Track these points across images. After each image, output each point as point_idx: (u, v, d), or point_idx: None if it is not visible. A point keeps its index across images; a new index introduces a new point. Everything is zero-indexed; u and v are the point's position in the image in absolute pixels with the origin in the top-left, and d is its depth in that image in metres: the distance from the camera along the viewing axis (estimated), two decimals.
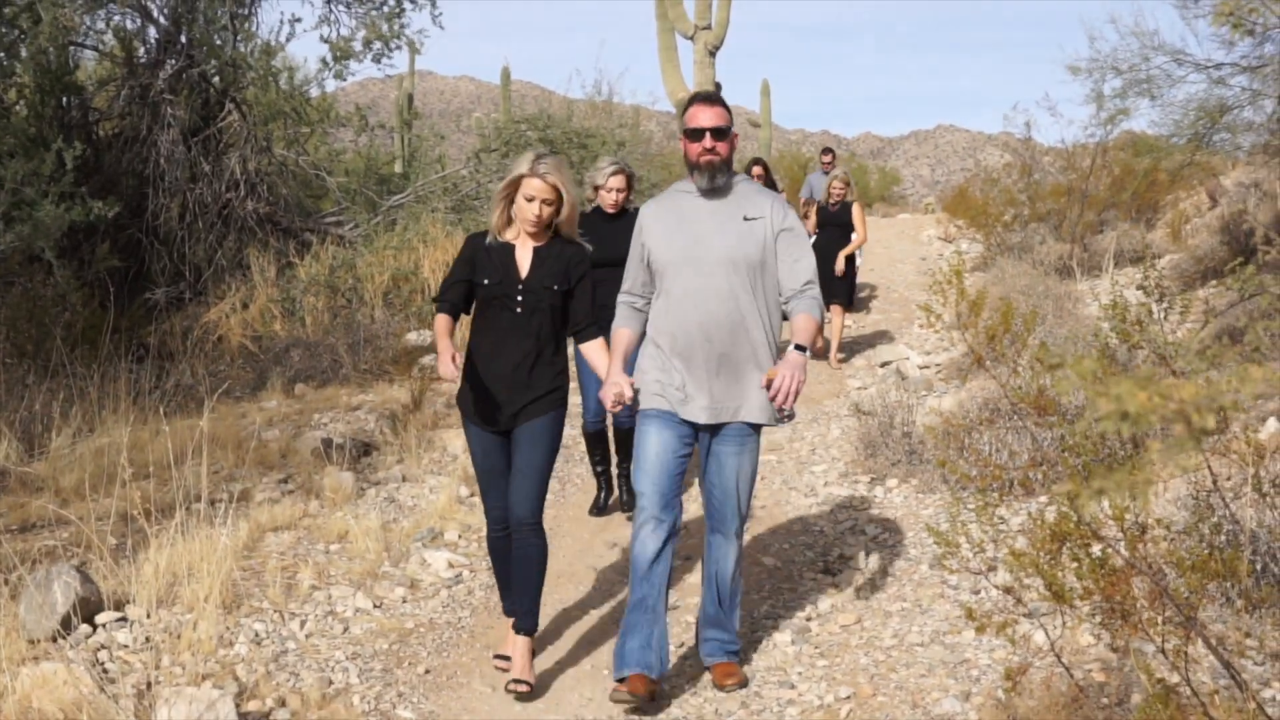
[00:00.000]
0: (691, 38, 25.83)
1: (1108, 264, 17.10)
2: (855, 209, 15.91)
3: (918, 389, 12.46)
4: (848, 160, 54.64)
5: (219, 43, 15.05)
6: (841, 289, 15.43)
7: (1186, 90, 14.75)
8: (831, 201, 15.95)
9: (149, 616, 6.58)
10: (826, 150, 22.71)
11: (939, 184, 68.34)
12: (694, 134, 5.99)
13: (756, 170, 15.36)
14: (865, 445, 10.08)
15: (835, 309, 15.20)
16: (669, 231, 6.09)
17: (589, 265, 6.43)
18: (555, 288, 6.27)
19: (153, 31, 15.24)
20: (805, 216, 16.95)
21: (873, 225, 27.67)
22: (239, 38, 15.37)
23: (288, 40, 15.79)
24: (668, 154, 29.70)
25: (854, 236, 15.79)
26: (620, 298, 6.31)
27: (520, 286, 6.26)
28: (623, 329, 6.24)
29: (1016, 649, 4.68)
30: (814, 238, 15.32)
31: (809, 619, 7.11)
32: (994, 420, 8.93)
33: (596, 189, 9.02)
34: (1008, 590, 4.23)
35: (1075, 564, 3.99)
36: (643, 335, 6.26)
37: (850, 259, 15.71)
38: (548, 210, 6.20)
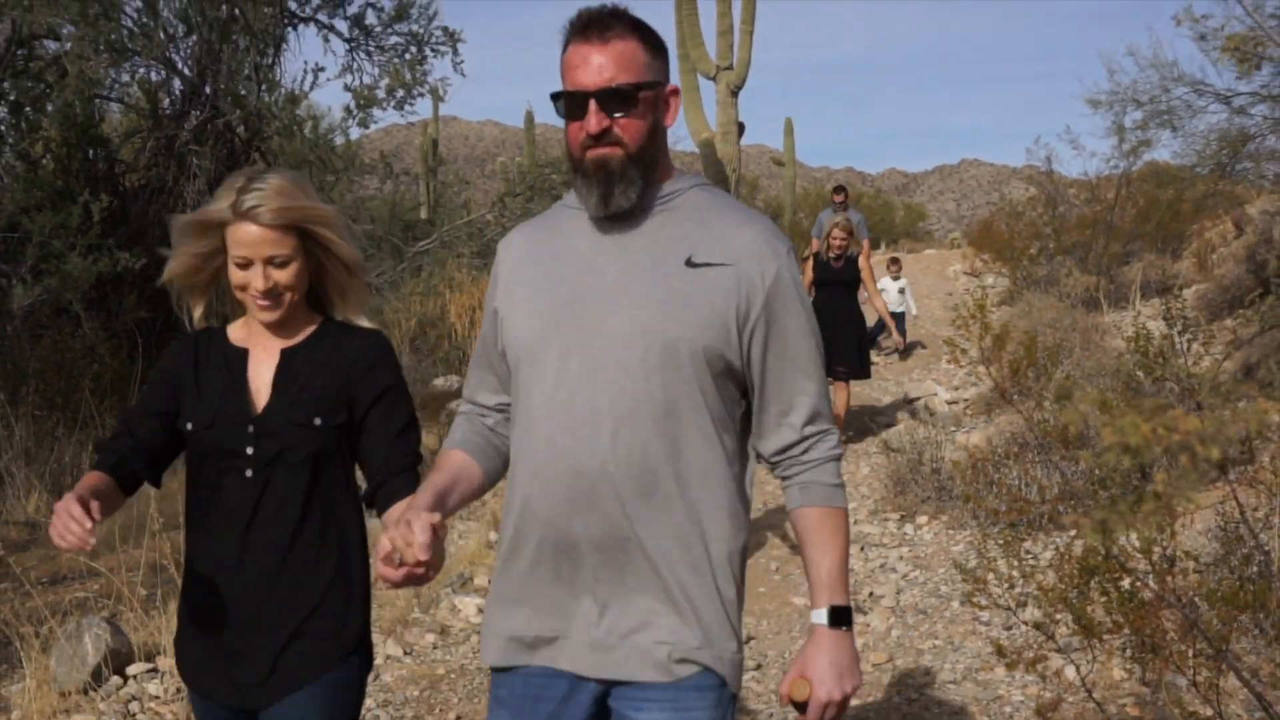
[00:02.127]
0: (713, 78, 25.94)
1: (1134, 295, 17.08)
2: (862, 262, 13.16)
3: (946, 425, 12.44)
4: (871, 198, 54.54)
5: (243, 93, 15.15)
6: (850, 355, 12.54)
7: (1207, 120, 14.72)
8: (833, 255, 12.91)
9: None
10: (838, 189, 20.45)
11: (965, 218, 68.46)
12: (571, 104, 2.96)
13: None
14: (894, 482, 10.06)
15: (838, 385, 12.39)
16: (538, 283, 3.07)
17: (395, 369, 3.51)
18: (319, 422, 3.33)
19: (177, 83, 15.35)
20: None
21: (900, 262, 27.69)
22: (263, 88, 15.46)
23: (311, 89, 15.88)
24: None
25: (868, 297, 13.62)
26: (461, 405, 3.34)
27: (253, 428, 3.30)
28: (454, 450, 3.18)
29: (1048, 685, 4.65)
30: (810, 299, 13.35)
31: None
32: (1022, 454, 8.91)
33: None
34: (1037, 626, 4.21)
35: (1104, 598, 3.97)
36: (498, 470, 3.24)
37: (862, 321, 13.18)
38: (283, 275, 3.31)
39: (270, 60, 15.74)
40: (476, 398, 3.26)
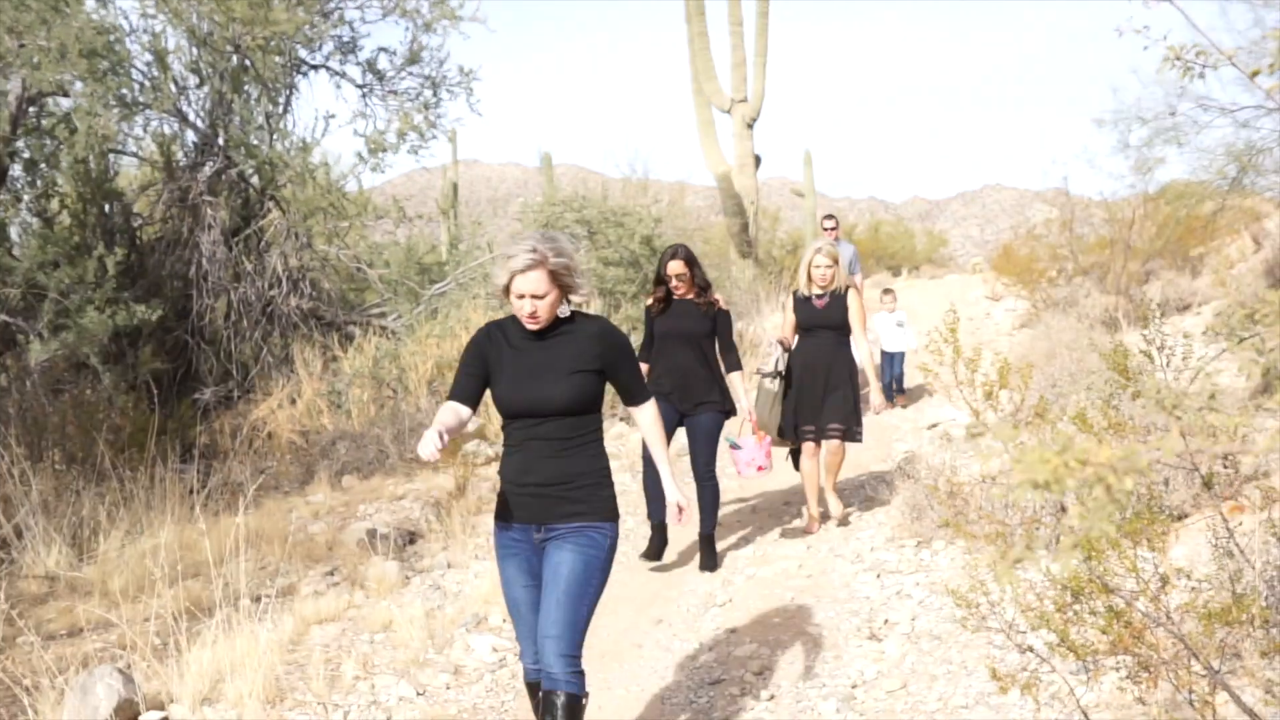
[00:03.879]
0: (729, 111, 26.09)
1: (1154, 314, 17.00)
2: (852, 299, 10.54)
3: (964, 449, 12.38)
4: (893, 226, 54.53)
5: (255, 143, 15.26)
6: (843, 412, 10.46)
7: (1214, 135, 14.71)
8: (815, 292, 10.55)
9: (193, 714, 6.62)
10: (828, 216, 18.37)
11: (988, 243, 68.30)
12: None
13: (675, 268, 9.90)
14: (911, 509, 10.01)
15: (832, 445, 10.58)
16: None
17: None
18: None
19: (190, 135, 15.48)
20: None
21: (920, 288, 27.56)
22: (275, 136, 15.58)
23: (323, 136, 16.03)
24: (707, 228, 29.84)
25: (856, 343, 10.63)
26: None
27: None
28: None
29: (1042, 708, 4.63)
30: (787, 351, 10.75)
31: (854, 686, 7.06)
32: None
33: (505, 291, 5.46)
34: (1030, 649, 4.20)
35: (1093, 616, 3.96)
36: None
37: (855, 372, 10.69)
38: None
39: (282, 109, 15.86)
40: None
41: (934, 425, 14.40)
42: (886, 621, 8.11)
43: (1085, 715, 4.28)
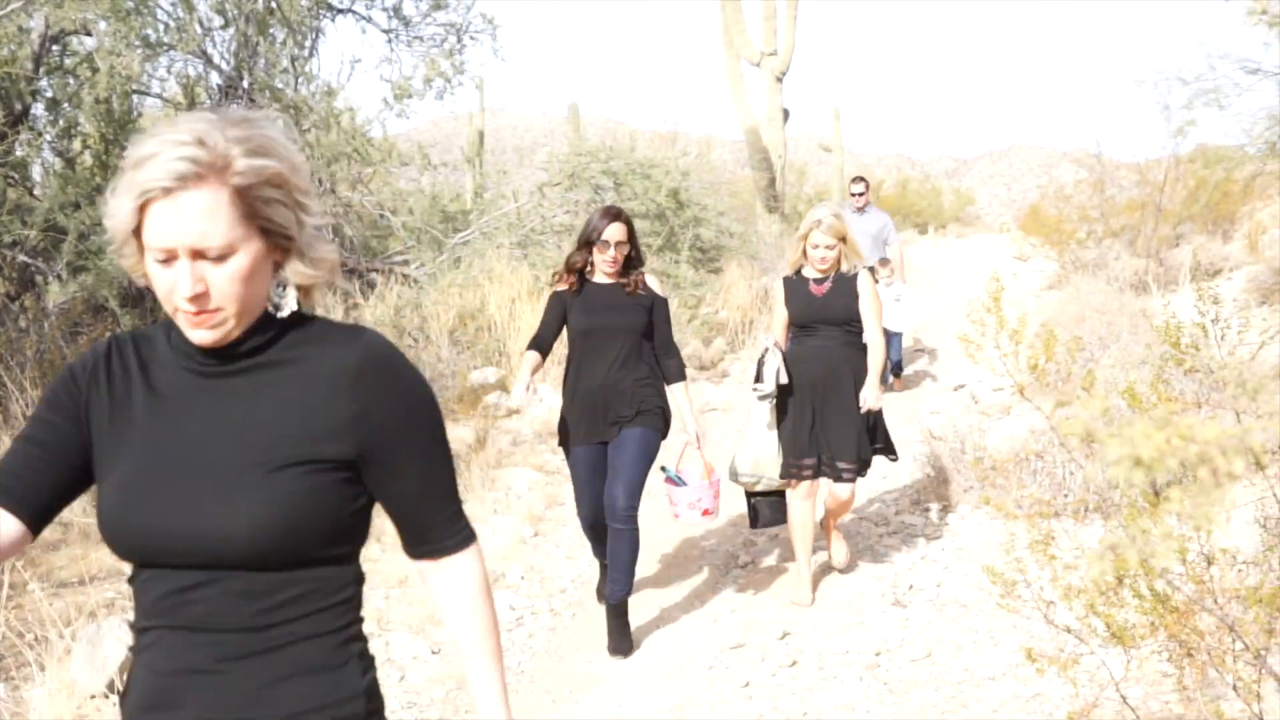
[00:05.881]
0: (758, 64, 25.87)
1: (1184, 278, 16.81)
2: (863, 284, 7.79)
3: (991, 412, 12.22)
4: (920, 183, 54.24)
5: (280, 86, 15.11)
6: (854, 443, 7.82)
7: (1257, 99, 14.46)
8: (813, 275, 7.87)
9: None
10: (857, 179, 15.22)
11: (1015, 202, 68.04)
12: None
13: (616, 233, 7.17)
14: (937, 471, 9.86)
15: (840, 491, 8.03)
16: None
17: None
18: None
19: (215, 77, 15.32)
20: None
21: (947, 247, 27.31)
22: (300, 80, 15.42)
23: (348, 81, 15.86)
24: (735, 181, 29.65)
25: (869, 333, 7.83)
26: None
27: None
28: None
29: (1079, 688, 4.49)
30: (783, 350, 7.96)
31: (878, 653, 6.92)
32: (1049, 450, 8.69)
33: None
34: (1067, 629, 4.05)
35: (1137, 599, 3.81)
36: None
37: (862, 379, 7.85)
38: None
39: (307, 52, 15.70)
40: None
41: (960, 386, 14.23)
42: (911, 587, 7.97)
43: (1124, 699, 4.13)
